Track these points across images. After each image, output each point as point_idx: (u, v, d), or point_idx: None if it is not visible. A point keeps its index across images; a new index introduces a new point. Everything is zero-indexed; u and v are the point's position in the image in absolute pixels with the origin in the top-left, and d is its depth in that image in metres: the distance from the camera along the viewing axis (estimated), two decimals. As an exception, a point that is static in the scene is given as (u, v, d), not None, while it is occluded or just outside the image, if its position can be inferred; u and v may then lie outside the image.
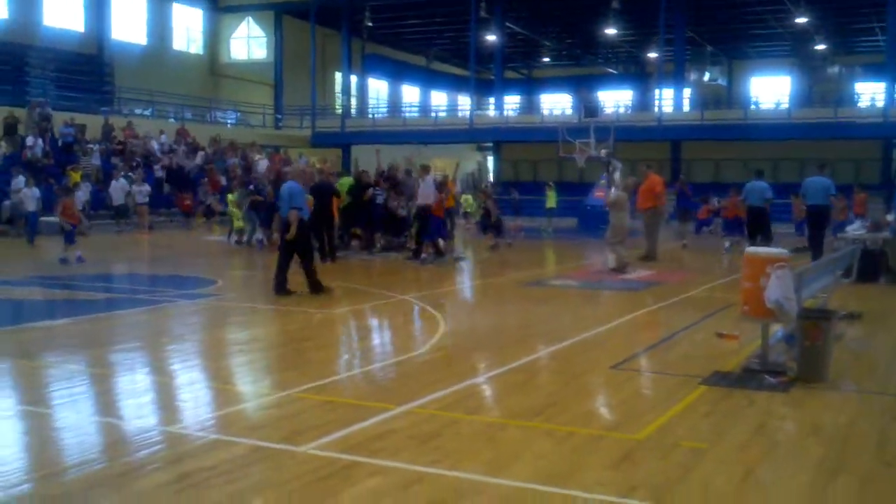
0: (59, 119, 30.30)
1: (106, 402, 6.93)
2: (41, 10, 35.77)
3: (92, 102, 35.18)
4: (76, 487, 4.80)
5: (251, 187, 21.60)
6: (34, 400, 6.86)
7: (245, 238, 21.19)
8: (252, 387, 7.52)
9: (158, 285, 14.46)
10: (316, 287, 12.43)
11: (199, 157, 32.20)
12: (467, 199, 30.97)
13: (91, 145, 29.11)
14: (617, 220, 16.59)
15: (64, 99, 33.85)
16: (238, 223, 21.72)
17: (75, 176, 26.22)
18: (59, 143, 29.00)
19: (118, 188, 25.81)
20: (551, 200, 29.71)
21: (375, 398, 6.82)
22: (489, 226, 21.81)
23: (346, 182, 19.79)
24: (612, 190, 19.17)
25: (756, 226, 17.82)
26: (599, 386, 7.58)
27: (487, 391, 7.40)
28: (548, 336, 9.79)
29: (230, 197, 22.42)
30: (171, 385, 7.49)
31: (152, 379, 7.69)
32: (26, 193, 21.40)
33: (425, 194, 17.93)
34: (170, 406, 6.81)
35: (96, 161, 28.21)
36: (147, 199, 26.20)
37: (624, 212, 16.79)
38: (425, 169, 18.67)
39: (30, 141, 27.55)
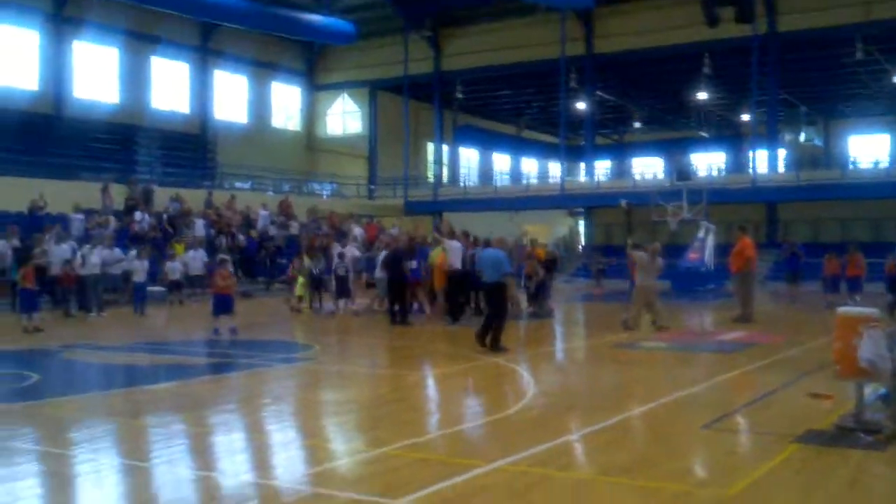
0: (165, 195, 31.72)
1: (207, 459, 7.27)
2: (149, 94, 37.80)
3: (195, 178, 36.76)
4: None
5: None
6: (139, 457, 7.25)
7: (302, 305, 21.93)
8: (348, 445, 7.78)
9: (257, 349, 14.97)
10: (497, 346, 13.28)
11: (294, 228, 33.13)
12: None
13: (193, 218, 30.31)
14: (638, 280, 17.01)
15: (169, 175, 35.50)
16: (300, 290, 22.30)
17: (179, 248, 27.33)
18: (165, 216, 30.29)
19: (197, 258, 26.77)
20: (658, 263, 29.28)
21: (468, 455, 7.01)
22: (531, 293, 20.53)
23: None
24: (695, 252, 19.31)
25: None
26: (691, 444, 7.60)
27: (578, 449, 7.49)
28: (639, 396, 9.82)
29: (306, 261, 22.86)
30: (269, 443, 7.82)
31: (252, 437, 8.05)
32: (136, 265, 22.44)
33: (454, 258, 18.34)
34: (269, 462, 7.11)
35: (200, 232, 29.32)
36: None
37: (643, 273, 16.94)
38: (450, 233, 19.41)
39: (137, 216, 28.88)
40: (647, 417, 8.67)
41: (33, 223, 25.47)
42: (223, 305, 16.19)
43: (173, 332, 19.02)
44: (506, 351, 13.22)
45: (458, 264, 18.49)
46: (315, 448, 7.58)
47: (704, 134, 56.49)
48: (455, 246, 18.85)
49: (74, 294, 21.36)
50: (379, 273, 19.67)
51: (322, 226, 32.66)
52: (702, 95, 42.67)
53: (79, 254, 21.61)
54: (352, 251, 23.07)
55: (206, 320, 20.55)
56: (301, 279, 22.56)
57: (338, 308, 21.15)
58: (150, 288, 22.80)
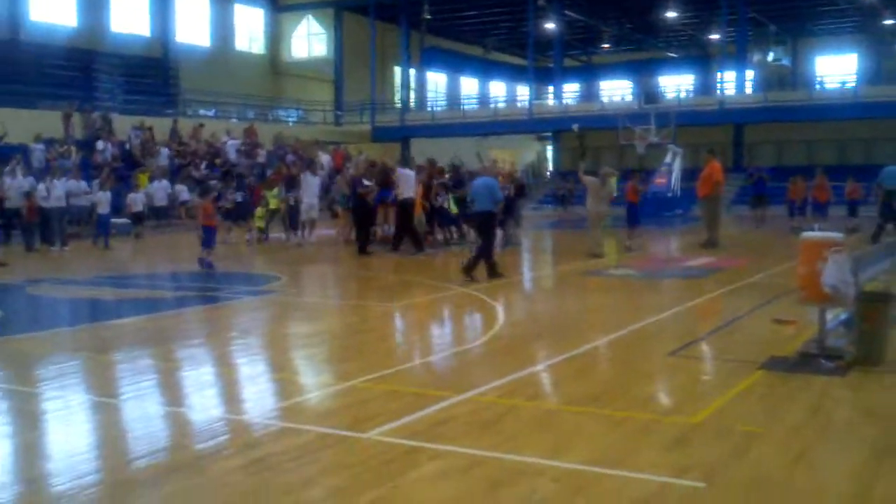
0: (128, 122, 31.15)
1: (176, 395, 7.27)
2: (108, 16, 36.77)
3: (158, 105, 36.08)
4: (149, 474, 5.10)
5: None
6: (107, 392, 7.23)
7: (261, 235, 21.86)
8: (316, 378, 7.81)
9: (223, 282, 14.91)
10: (470, 274, 13.35)
11: (260, 156, 32.75)
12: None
13: (158, 146, 29.85)
14: (588, 205, 17.14)
15: (130, 102, 34.81)
16: (260, 222, 22.10)
17: (143, 179, 26.96)
18: (128, 146, 29.79)
19: (161, 189, 26.44)
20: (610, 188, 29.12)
21: (436, 387, 7.05)
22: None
23: None
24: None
25: (892, 211, 18.01)
26: (656, 372, 7.70)
27: (546, 379, 7.57)
28: (606, 325, 9.91)
29: (271, 192, 22.47)
30: (237, 377, 7.83)
31: (220, 371, 8.06)
32: (99, 197, 22.10)
33: (407, 187, 18.23)
34: (238, 397, 7.13)
35: (163, 162, 28.91)
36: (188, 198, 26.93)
37: (594, 198, 17.07)
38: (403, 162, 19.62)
39: (100, 145, 28.38)
40: (614, 346, 8.77)
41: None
42: (211, 238, 15.92)
43: (138, 265, 18.91)
44: (477, 281, 13.22)
45: (409, 193, 18.27)
46: (284, 382, 7.60)
47: (673, 55, 56.13)
48: (408, 174, 18.67)
49: (37, 227, 21.01)
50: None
51: (288, 153, 32.29)
52: (671, 14, 42.23)
53: (42, 186, 21.21)
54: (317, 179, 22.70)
55: (170, 252, 20.51)
56: (260, 210, 22.32)
57: (304, 237, 21.02)
58: (113, 220, 22.49)
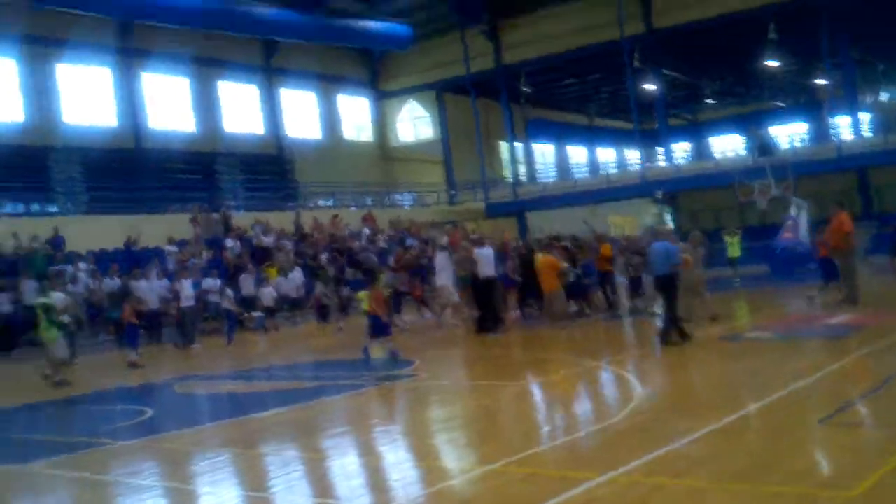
0: (250, 219, 32.36)
1: (322, 485, 7.39)
2: (222, 118, 38.70)
3: (277, 199, 37.46)
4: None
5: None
6: (256, 486, 7.42)
7: None
8: (458, 462, 7.80)
9: (358, 369, 15.16)
10: (684, 335, 13.64)
11: (381, 241, 33.36)
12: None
13: (284, 241, 30.84)
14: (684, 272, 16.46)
15: (251, 199, 36.27)
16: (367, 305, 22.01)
17: (272, 272, 27.85)
18: (254, 242, 30.86)
19: (292, 281, 27.11)
20: (734, 249, 27.23)
21: (577, 468, 6.95)
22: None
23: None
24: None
25: None
26: (809, 442, 7.39)
27: (691, 454, 7.31)
28: (749, 393, 9.56)
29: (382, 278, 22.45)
30: (380, 465, 7.92)
31: (363, 460, 8.17)
32: (228, 294, 23.10)
33: (488, 265, 18.20)
34: (382, 486, 7.18)
35: (290, 255, 29.80)
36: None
37: (689, 268, 16.47)
38: (477, 241, 19.36)
39: (228, 243, 29.51)
40: (760, 415, 8.46)
41: (130, 258, 26.31)
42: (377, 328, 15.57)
43: (273, 357, 19.40)
44: (690, 338, 13.56)
45: (488, 271, 18.29)
46: (426, 468, 7.64)
47: (780, 104, 55.12)
48: (486, 253, 18.64)
49: (176, 327, 21.94)
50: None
51: (407, 237, 32.84)
52: (772, 63, 41.51)
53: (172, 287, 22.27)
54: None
55: (300, 343, 21.00)
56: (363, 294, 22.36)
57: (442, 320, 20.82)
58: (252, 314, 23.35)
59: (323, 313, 23.63)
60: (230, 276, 26.79)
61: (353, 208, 39.19)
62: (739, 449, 7.25)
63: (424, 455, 8.27)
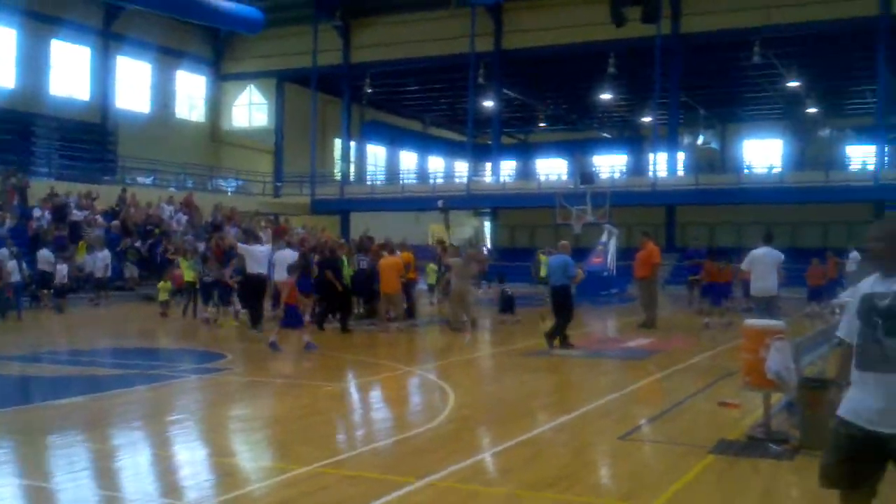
0: (62, 188, 30.69)
1: (120, 481, 7.11)
2: (48, 79, 36.50)
3: (95, 171, 35.71)
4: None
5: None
6: (38, 477, 7.07)
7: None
8: (273, 462, 7.74)
9: (164, 360, 14.71)
10: (566, 342, 14.94)
11: (200, 226, 32.54)
12: (430, 267, 26.34)
13: (98, 217, 29.46)
14: (453, 283, 18.57)
15: (68, 168, 34.40)
16: (164, 295, 21.82)
17: (81, 248, 26.54)
18: (66, 214, 29.27)
19: (100, 259, 25.98)
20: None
21: (399, 471, 7.05)
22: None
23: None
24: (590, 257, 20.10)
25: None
26: (609, 457, 7.85)
27: (501, 463, 7.60)
28: (554, 407, 10.05)
29: (186, 263, 21.64)
30: (196, 462, 7.72)
31: (181, 458, 7.93)
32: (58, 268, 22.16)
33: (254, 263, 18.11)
34: (199, 484, 6.94)
35: (100, 233, 28.48)
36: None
37: (458, 277, 18.38)
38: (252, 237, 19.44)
39: (37, 213, 27.90)
40: (564, 429, 8.89)
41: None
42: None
43: (73, 339, 18.51)
44: (573, 347, 14.80)
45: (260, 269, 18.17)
46: (237, 467, 7.53)
47: (607, 135, 57.83)
48: (258, 250, 18.35)
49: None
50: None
51: (228, 225, 32.08)
52: (605, 96, 43.62)
53: None
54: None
55: (107, 327, 20.12)
56: (163, 284, 22.15)
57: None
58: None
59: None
60: (31, 248, 25.29)
61: (173, 189, 37.89)
62: (545, 461, 7.58)
63: (234, 454, 8.12)
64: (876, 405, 4.28)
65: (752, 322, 8.75)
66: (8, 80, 34.98)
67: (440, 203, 31.52)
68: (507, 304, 20.44)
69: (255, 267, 17.95)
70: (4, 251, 22.39)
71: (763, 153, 50.42)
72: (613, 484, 7.03)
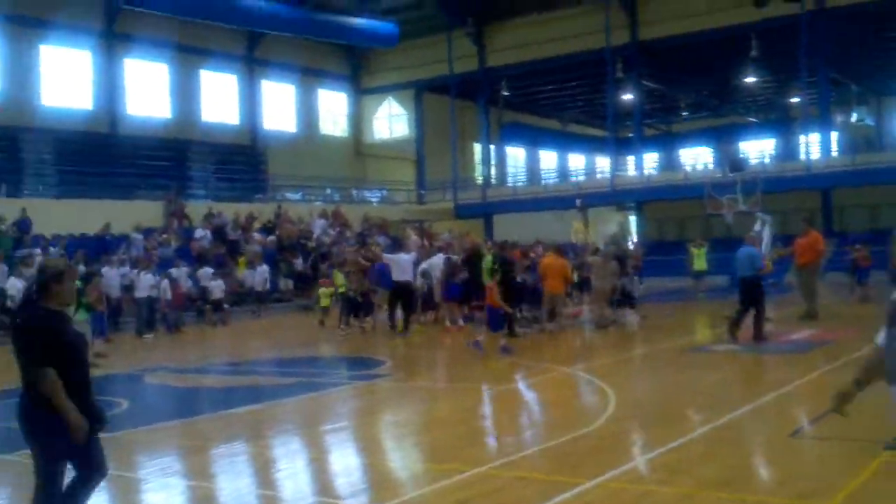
0: (219, 209, 32.32)
1: (324, 483, 7.54)
2: (199, 107, 38.54)
3: (247, 191, 37.39)
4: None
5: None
6: (262, 482, 7.56)
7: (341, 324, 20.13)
8: (446, 465, 7.97)
9: (330, 367, 15.29)
10: (761, 336, 14.92)
11: (349, 237, 33.48)
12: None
13: (255, 234, 30.87)
14: (594, 282, 18.69)
15: (222, 190, 36.17)
16: (326, 301, 21.97)
17: (241, 263, 27.85)
18: (224, 233, 30.79)
19: (259, 274, 27.15)
20: (700, 262, 26.78)
21: (567, 472, 7.16)
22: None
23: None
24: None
25: None
26: (782, 454, 7.69)
27: (671, 463, 7.56)
28: (719, 404, 9.86)
29: (338, 274, 22.05)
30: (377, 464, 8.08)
31: (360, 460, 8.32)
32: (213, 285, 23.35)
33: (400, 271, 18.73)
34: (383, 484, 7.29)
35: (258, 249, 29.82)
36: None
37: (598, 276, 18.55)
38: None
39: (198, 233, 29.45)
40: (732, 427, 8.75)
41: (98, 245, 26.21)
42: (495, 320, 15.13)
43: (242, 351, 19.40)
44: (766, 340, 14.68)
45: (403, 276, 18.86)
46: (419, 469, 7.83)
47: (753, 119, 55.95)
48: (402, 258, 19.29)
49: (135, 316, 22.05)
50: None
51: (375, 234, 32.98)
52: (749, 79, 42.26)
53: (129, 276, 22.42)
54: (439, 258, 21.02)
55: (269, 338, 21.01)
56: (323, 290, 22.58)
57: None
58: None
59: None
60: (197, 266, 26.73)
61: (320, 202, 39.20)
62: (717, 459, 7.51)
63: (408, 457, 8.45)
64: None
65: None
66: (164, 110, 37.09)
67: (578, 202, 31.41)
68: (625, 300, 19.81)
69: (401, 275, 18.48)
70: (174, 271, 23.74)
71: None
72: (788, 482, 6.88)
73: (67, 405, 4.89)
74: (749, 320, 15.05)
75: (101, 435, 5.09)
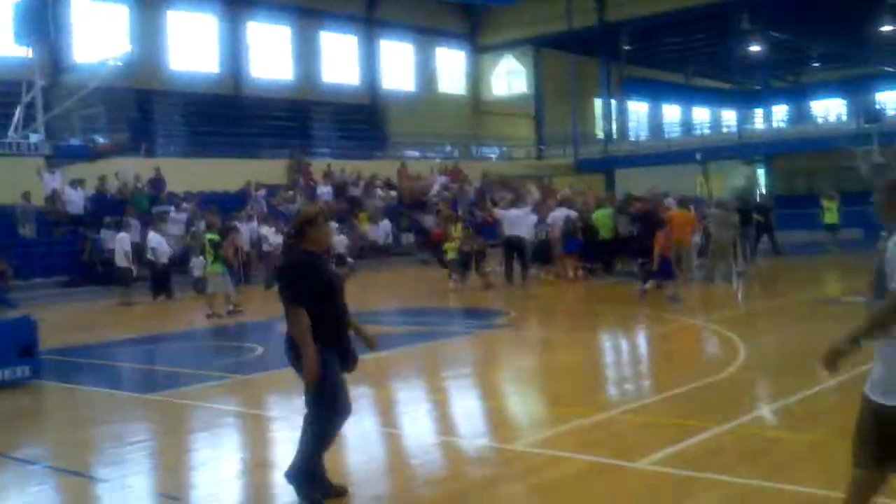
0: (339, 167, 32.87)
1: (446, 424, 7.68)
2: (320, 68, 39.16)
3: (368, 149, 37.91)
4: (437, 498, 5.47)
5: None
6: (388, 422, 7.74)
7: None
8: (573, 408, 7.97)
9: (451, 318, 15.45)
10: None
11: (469, 192, 33.48)
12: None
13: (378, 190, 31.32)
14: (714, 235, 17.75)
15: (344, 148, 36.77)
16: (453, 254, 19.78)
17: (363, 218, 28.32)
18: (346, 190, 31.33)
19: (382, 229, 27.52)
20: (832, 215, 25.78)
21: (696, 418, 7.07)
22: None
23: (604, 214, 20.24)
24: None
25: None
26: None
27: (804, 411, 7.36)
28: (853, 355, 9.49)
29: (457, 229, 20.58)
30: (501, 408, 8.17)
31: (479, 403, 8.43)
32: (337, 240, 23.84)
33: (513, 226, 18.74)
34: (506, 426, 7.43)
35: (380, 205, 30.23)
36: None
37: (719, 228, 17.53)
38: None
39: (320, 190, 30.09)
40: (866, 377, 8.40)
41: (226, 202, 27.08)
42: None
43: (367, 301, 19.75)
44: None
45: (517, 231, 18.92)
46: (541, 413, 7.86)
47: (889, 69, 53.08)
48: (511, 214, 19.25)
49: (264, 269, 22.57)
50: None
51: (494, 190, 32.86)
52: (885, 27, 39.96)
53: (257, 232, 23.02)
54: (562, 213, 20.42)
55: (395, 290, 21.30)
56: (449, 244, 20.27)
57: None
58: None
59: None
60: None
61: (437, 160, 39.31)
62: (847, 408, 7.15)
63: (537, 401, 8.52)
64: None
65: None
66: (287, 72, 37.84)
67: (697, 155, 30.57)
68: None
69: (512, 230, 18.50)
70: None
71: None
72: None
73: (309, 344, 5.16)
74: None
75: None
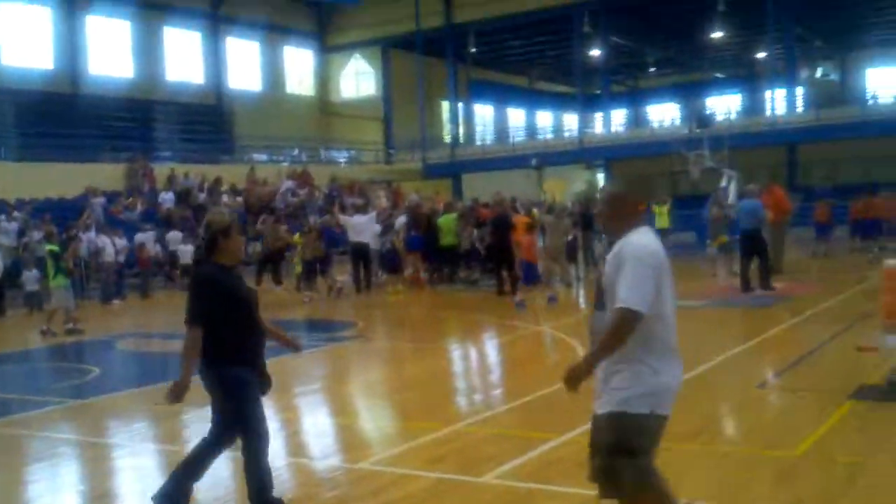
0: (183, 171, 31.83)
1: (292, 444, 7.57)
2: (163, 66, 37.85)
3: (214, 152, 36.93)
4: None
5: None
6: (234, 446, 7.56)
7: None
8: (421, 423, 8.06)
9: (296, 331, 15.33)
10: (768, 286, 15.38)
11: (317, 198, 33.17)
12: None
13: (224, 197, 30.48)
14: (547, 241, 18.80)
15: (189, 151, 35.67)
16: (299, 268, 19.71)
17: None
18: (190, 196, 30.39)
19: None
20: (662, 219, 25.38)
21: (540, 428, 7.28)
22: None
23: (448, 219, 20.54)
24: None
25: None
26: (748, 406, 7.88)
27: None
28: (688, 357, 9.93)
29: (297, 238, 20.49)
30: (350, 425, 8.15)
31: (333, 420, 8.38)
32: (182, 249, 23.12)
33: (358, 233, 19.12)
34: (355, 444, 7.38)
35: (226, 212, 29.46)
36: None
37: (551, 235, 18.49)
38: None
39: (162, 196, 29.10)
40: (701, 379, 8.88)
41: (63, 209, 25.80)
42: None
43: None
44: (774, 289, 15.16)
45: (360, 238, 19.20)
46: (389, 429, 7.90)
47: (719, 75, 56.09)
48: (356, 221, 19.51)
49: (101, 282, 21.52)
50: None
51: (343, 195, 32.73)
52: (716, 35, 42.28)
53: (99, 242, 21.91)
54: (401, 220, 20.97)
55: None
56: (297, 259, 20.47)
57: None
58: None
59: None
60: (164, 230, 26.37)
61: (285, 164, 38.79)
62: (687, 411, 7.60)
63: (384, 416, 8.56)
64: None
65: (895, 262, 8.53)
66: (126, 69, 36.36)
67: (533, 161, 31.43)
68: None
69: (355, 236, 18.85)
70: (141, 235, 23.47)
71: (889, 82, 47.85)
72: (756, 433, 7.06)
73: (189, 366, 4.95)
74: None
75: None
